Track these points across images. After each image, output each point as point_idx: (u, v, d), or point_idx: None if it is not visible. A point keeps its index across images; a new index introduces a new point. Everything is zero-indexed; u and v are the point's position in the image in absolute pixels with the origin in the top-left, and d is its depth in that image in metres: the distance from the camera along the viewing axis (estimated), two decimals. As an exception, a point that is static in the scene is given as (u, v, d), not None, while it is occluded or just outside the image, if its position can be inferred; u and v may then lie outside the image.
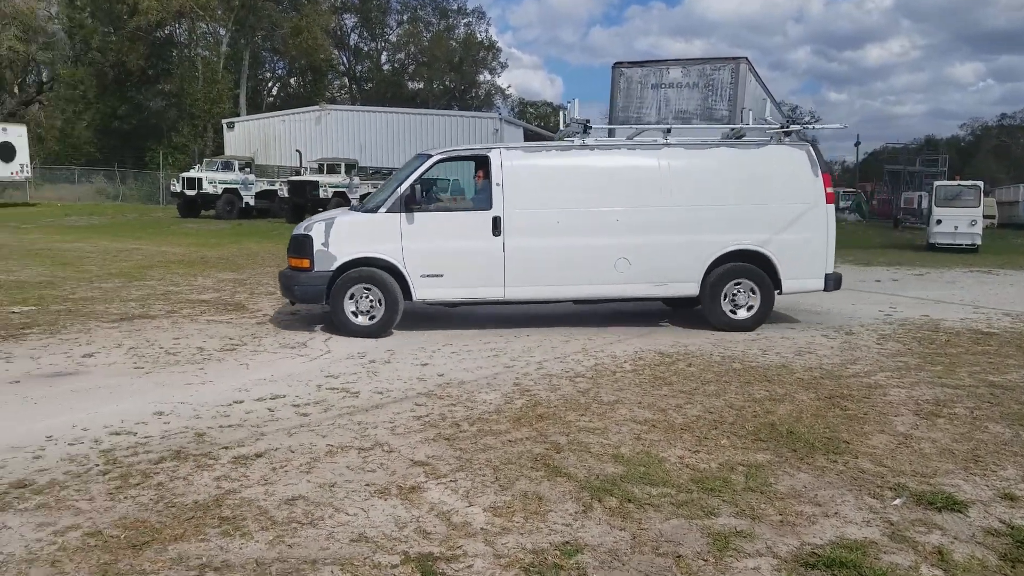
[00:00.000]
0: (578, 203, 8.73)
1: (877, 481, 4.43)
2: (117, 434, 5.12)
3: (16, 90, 52.71)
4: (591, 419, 5.52)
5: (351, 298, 8.58)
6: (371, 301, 8.58)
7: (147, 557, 3.48)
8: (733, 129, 9.59)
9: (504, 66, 78.79)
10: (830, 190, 8.97)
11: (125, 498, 4.10)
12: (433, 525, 3.81)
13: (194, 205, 29.88)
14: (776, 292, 8.96)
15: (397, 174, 9.33)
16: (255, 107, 50.86)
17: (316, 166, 29.64)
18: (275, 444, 4.96)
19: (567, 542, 3.64)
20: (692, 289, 8.89)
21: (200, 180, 29.56)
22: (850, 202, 44.77)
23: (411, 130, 35.06)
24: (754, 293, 8.92)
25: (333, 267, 8.53)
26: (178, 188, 30.12)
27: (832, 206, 9.01)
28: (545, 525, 3.82)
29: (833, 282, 9.05)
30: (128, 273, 13.32)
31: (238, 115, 44.26)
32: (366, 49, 67.76)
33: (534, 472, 4.51)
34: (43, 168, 40.89)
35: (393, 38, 67.19)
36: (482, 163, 8.96)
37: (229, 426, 5.34)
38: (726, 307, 8.91)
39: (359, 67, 68.34)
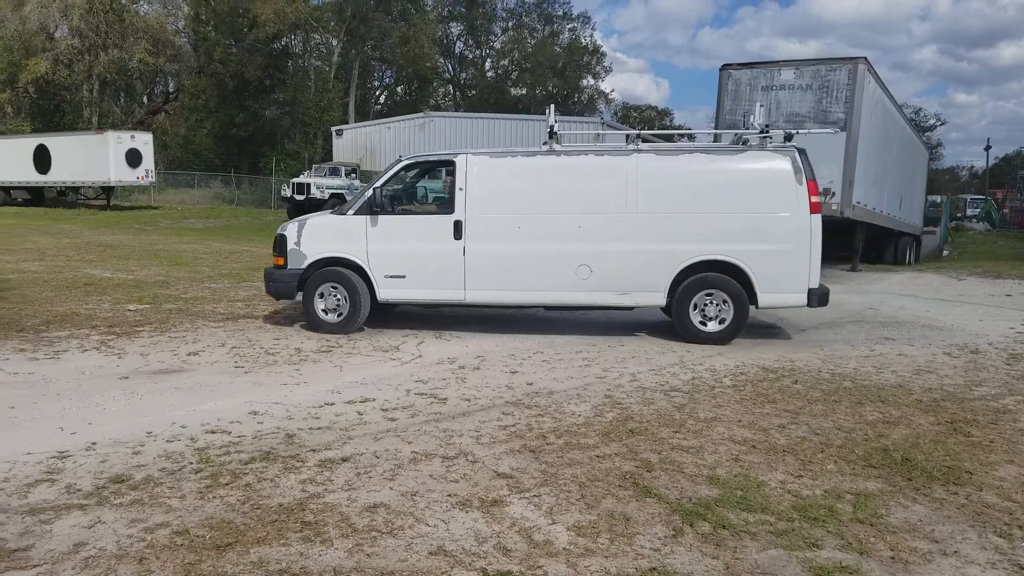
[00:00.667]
0: (540, 209, 8.68)
1: (1004, 518, 4.00)
2: (212, 432, 5.23)
3: (145, 100, 56.20)
4: (686, 436, 5.26)
5: (320, 296, 8.90)
6: (338, 299, 8.86)
7: (229, 559, 3.49)
8: (730, 136, 9.06)
9: (608, 70, 78.09)
10: (815, 199, 8.31)
11: (214, 497, 4.14)
12: (514, 542, 3.67)
13: (303, 209, 30.89)
14: (752, 306, 8.47)
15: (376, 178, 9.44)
16: (363, 115, 52.41)
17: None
18: (361, 449, 4.94)
19: (654, 568, 3.42)
20: (659, 299, 8.65)
21: (309, 185, 30.60)
22: (979, 210, 42.06)
23: (513, 135, 35.12)
24: (726, 305, 8.46)
25: (303, 265, 8.90)
26: (288, 193, 31.29)
27: (818, 216, 8.30)
28: (631, 549, 3.61)
29: (817, 298, 8.40)
30: (237, 274, 13.82)
31: (346, 122, 45.66)
32: (471, 56, 68.77)
33: (622, 491, 4.30)
34: (166, 173, 43.36)
35: (498, 45, 67.94)
36: (449, 168, 9.05)
37: (318, 428, 5.37)
38: (695, 318, 8.55)
39: (463, 74, 69.44)
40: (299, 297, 9.10)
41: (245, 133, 49.26)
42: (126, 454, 4.78)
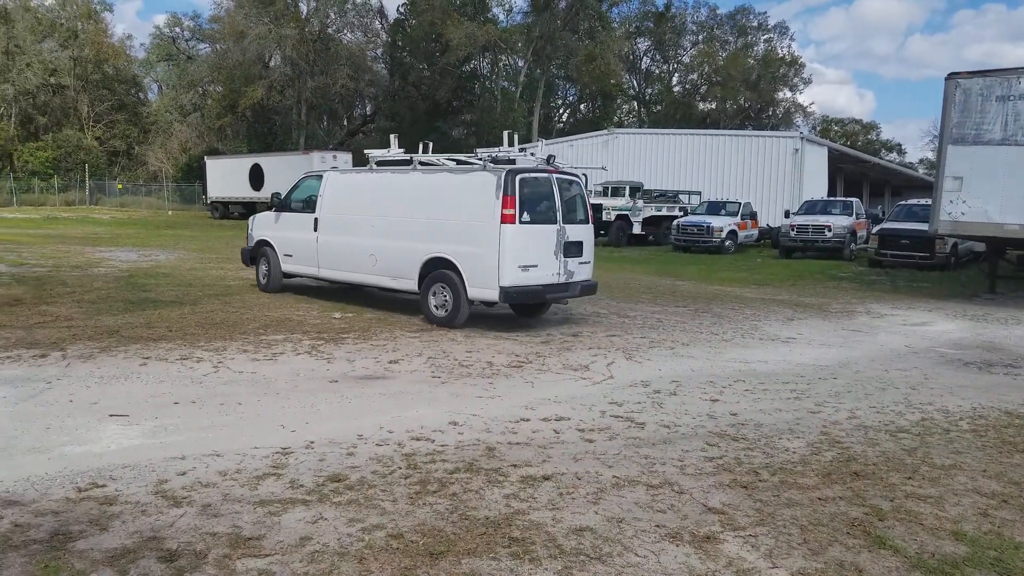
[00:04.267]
0: (354, 211, 11.18)
1: None
2: (417, 439, 5.37)
3: (345, 122, 60.37)
4: (920, 484, 4.76)
5: (261, 262, 12.69)
6: (266, 268, 12.60)
7: (442, 567, 3.52)
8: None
9: (807, 82, 74.11)
10: (507, 211, 9.37)
11: (424, 504, 4.22)
12: (733, 583, 3.44)
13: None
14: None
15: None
16: (546, 133, 53.24)
17: (601, 189, 30.10)
18: (561, 468, 4.88)
19: (898, 631, 3.07)
20: (413, 286, 10.36)
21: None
22: None
23: (701, 151, 34.14)
24: (449, 295, 9.94)
25: (252, 243, 12.89)
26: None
27: (508, 226, 9.37)
28: (868, 605, 3.27)
29: (506, 295, 9.55)
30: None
31: (530, 141, 46.57)
32: (657, 72, 68.01)
33: (851, 539, 3.94)
34: (363, 189, 46.01)
35: (686, 59, 66.65)
36: (319, 179, 12.01)
37: (517, 443, 5.37)
38: (432, 304, 10.16)
39: (648, 90, 68.75)
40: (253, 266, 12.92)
41: (434, 153, 51.60)
42: (341, 454, 5.00)
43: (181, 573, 3.39)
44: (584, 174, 11.55)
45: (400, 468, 4.78)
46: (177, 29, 58.55)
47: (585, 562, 3.62)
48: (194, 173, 47.89)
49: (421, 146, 11.71)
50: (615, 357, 8.55)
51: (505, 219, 9.37)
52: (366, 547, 3.69)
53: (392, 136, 12.34)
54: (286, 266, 12.22)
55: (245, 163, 39.87)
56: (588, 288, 10.58)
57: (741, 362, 8.52)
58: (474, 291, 9.71)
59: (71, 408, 5.82)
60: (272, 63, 51.83)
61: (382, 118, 56.19)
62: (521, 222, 9.47)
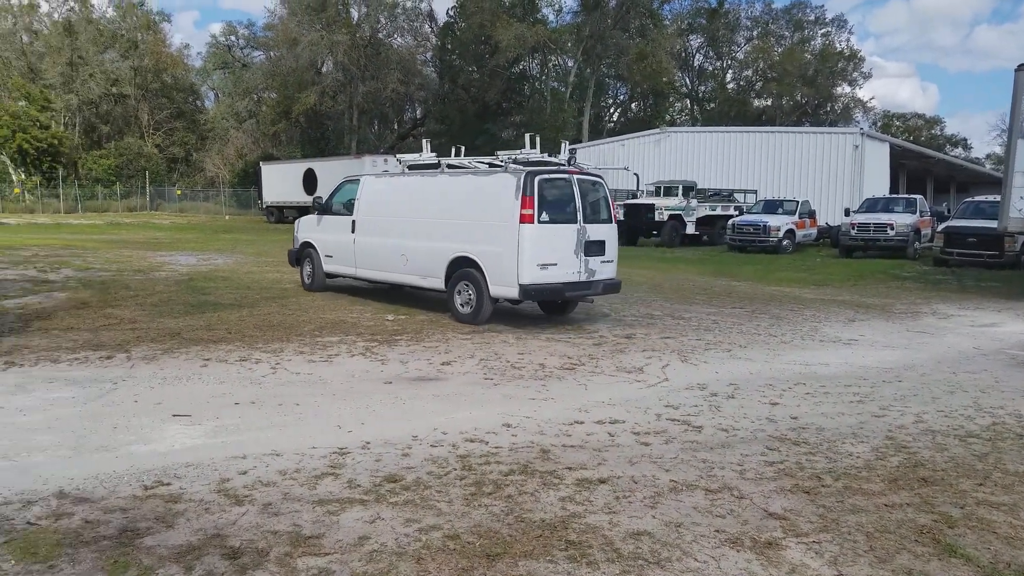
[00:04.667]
0: (387, 213, 11.60)
1: None
2: (471, 441, 5.37)
3: (395, 125, 61.03)
4: (993, 491, 4.58)
5: (306, 262, 13.18)
6: (310, 268, 13.05)
7: (499, 569, 3.51)
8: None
9: (867, 76, 72.28)
10: (526, 211, 9.58)
11: (479, 506, 4.22)
12: (797, 591, 3.35)
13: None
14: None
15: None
16: (596, 133, 53.03)
17: (653, 189, 29.83)
18: (617, 472, 4.83)
19: (973, 644, 2.96)
20: (441, 284, 10.71)
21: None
22: None
23: (756, 149, 33.54)
24: (473, 293, 10.22)
25: (297, 245, 13.42)
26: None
27: (527, 225, 9.58)
28: (941, 617, 3.16)
29: (525, 293, 9.79)
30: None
31: (580, 141, 46.43)
32: (710, 69, 67.09)
33: (920, 547, 3.81)
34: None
35: (740, 55, 65.59)
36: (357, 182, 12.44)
37: (571, 446, 5.34)
38: (458, 301, 10.46)
39: (701, 87, 67.87)
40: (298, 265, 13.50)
41: (484, 155, 51.81)
42: (396, 455, 5.03)
43: (244, 570, 3.44)
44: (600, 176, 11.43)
45: (455, 469, 4.79)
46: (232, 38, 60.11)
47: (643, 567, 3.57)
48: (250, 178, 48.97)
49: (453, 150, 12.36)
50: (670, 359, 8.45)
51: (524, 219, 9.61)
52: (423, 547, 3.70)
53: (424, 140, 13.02)
54: (327, 266, 12.77)
55: (299, 168, 40.59)
56: (611, 286, 10.65)
57: (801, 364, 8.34)
58: (496, 289, 9.98)
59: (136, 408, 5.99)
60: (324, 69, 52.71)
61: (432, 121, 56.63)
62: (540, 222, 9.69)
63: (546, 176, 9.93)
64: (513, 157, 10.86)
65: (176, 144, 57.24)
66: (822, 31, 64.98)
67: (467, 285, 10.30)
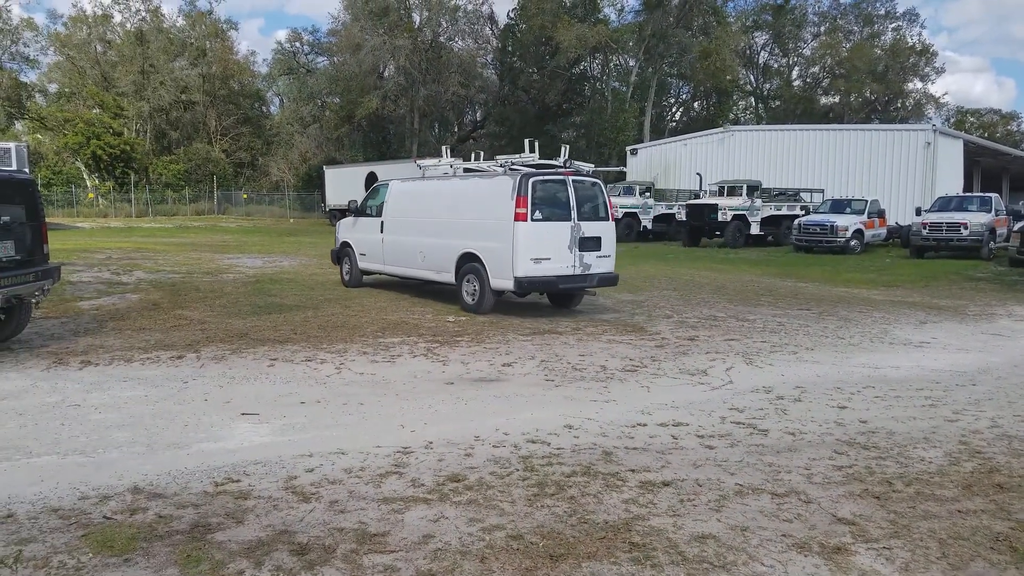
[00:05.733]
0: (408, 214, 12.73)
1: None
2: (533, 442, 5.38)
3: (456, 128, 61.46)
4: (1076, 500, 4.39)
5: (344, 262, 14.37)
6: (348, 265, 14.21)
7: (562, 570, 3.51)
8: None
9: (940, 71, 69.98)
10: (520, 210, 10.43)
11: (542, 506, 4.23)
12: (868, 600, 3.27)
13: (596, 228, 31.58)
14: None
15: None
16: (658, 132, 52.49)
17: (716, 189, 29.37)
18: (681, 475, 4.78)
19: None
20: (451, 278, 11.65)
21: (603, 204, 31.18)
22: None
23: (823, 147, 32.69)
24: (477, 285, 11.17)
25: (338, 245, 14.54)
26: (583, 212, 32.14)
27: (521, 223, 10.44)
28: (1022, 630, 3.04)
29: (519, 284, 10.62)
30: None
31: (641, 141, 46.04)
32: (776, 66, 65.68)
33: (995, 554, 3.68)
34: (473, 194, 46.75)
35: (807, 51, 64.05)
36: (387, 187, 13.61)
37: (634, 448, 5.30)
38: (465, 293, 11.40)
39: (767, 85, 66.55)
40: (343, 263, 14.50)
41: (544, 157, 51.80)
42: (459, 455, 5.08)
43: (312, 566, 3.52)
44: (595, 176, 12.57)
45: (517, 470, 4.80)
46: (297, 44, 61.21)
47: (708, 570, 3.53)
48: (313, 182, 49.96)
49: (473, 155, 13.57)
50: (734, 362, 8.31)
51: (518, 217, 10.51)
52: (487, 547, 3.72)
53: (444, 146, 14.14)
54: (362, 264, 13.90)
55: (360, 171, 41.19)
56: (607, 279, 11.40)
57: (870, 367, 8.11)
58: (495, 281, 10.91)
59: (206, 407, 6.17)
60: (386, 73, 53.33)
61: (492, 123, 56.84)
62: (533, 219, 10.55)
63: (540, 178, 10.81)
64: (511, 161, 11.80)
65: (242, 149, 58.76)
66: (892, 25, 63.03)
67: (472, 278, 11.26)
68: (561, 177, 11.01)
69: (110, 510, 4.12)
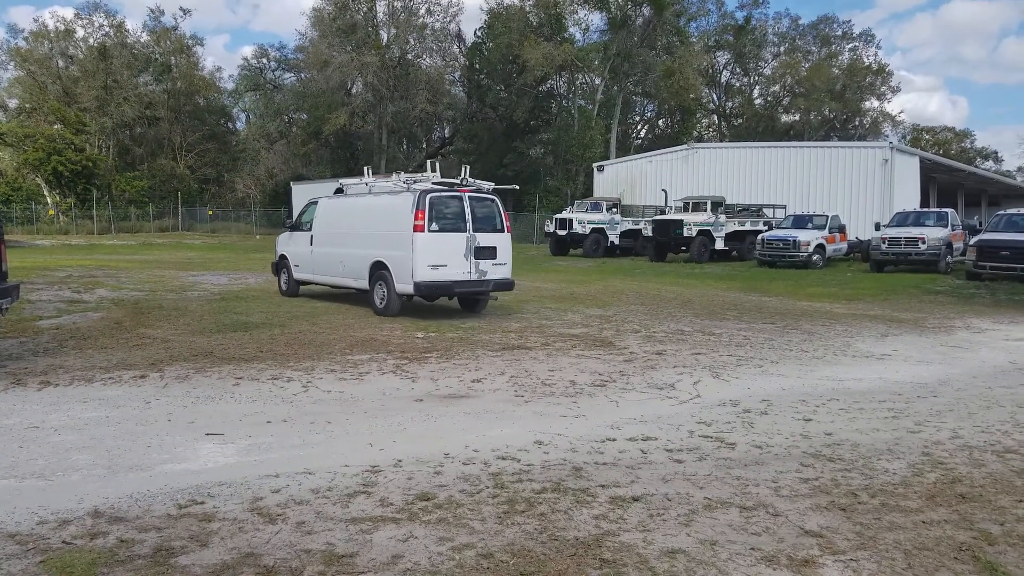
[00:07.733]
0: (332, 228, 14.07)
1: None
2: (503, 458, 5.36)
3: (424, 145, 61.48)
4: (1034, 509, 4.48)
5: (282, 274, 15.46)
6: (285, 276, 15.31)
7: (535, 589, 3.49)
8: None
9: (896, 90, 72.19)
10: (418, 222, 11.75)
11: (512, 524, 4.21)
12: (836, 612, 3.30)
13: (564, 244, 31.76)
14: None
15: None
16: (624, 149, 52.99)
17: (681, 205, 29.72)
18: (651, 489, 4.79)
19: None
20: (366, 284, 12.84)
21: (571, 220, 31.36)
22: None
23: (785, 164, 33.34)
24: (385, 290, 12.38)
25: (277, 257, 15.72)
26: (551, 228, 32.31)
27: (419, 234, 11.76)
28: (985, 639, 3.08)
29: (418, 289, 11.92)
30: (508, 306, 14.41)
31: (607, 158, 46.42)
32: (737, 85, 67.02)
33: (959, 564, 3.74)
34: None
35: (768, 71, 65.55)
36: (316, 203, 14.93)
37: (604, 463, 5.31)
38: (376, 297, 12.62)
39: (729, 103, 67.77)
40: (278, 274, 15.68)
41: (512, 172, 51.96)
42: (428, 473, 5.04)
43: (278, 589, 3.46)
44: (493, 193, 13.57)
45: (487, 487, 4.78)
46: (264, 60, 60.92)
47: (678, 586, 3.54)
48: (280, 198, 49.52)
49: (395, 175, 14.81)
50: (701, 375, 8.38)
51: (416, 228, 11.78)
52: (457, 566, 3.69)
53: (366, 167, 15.37)
54: (296, 275, 15.01)
55: (328, 188, 40.92)
56: (502, 284, 12.77)
57: (834, 380, 8.23)
58: (399, 286, 12.12)
59: (169, 427, 6.06)
60: (354, 90, 53.26)
61: (460, 140, 56.99)
62: (430, 231, 11.84)
63: (438, 194, 12.13)
64: (414, 179, 13.06)
65: (208, 165, 58.11)
66: (849, 46, 64.99)
67: (381, 283, 12.47)
68: (457, 194, 12.35)
69: (69, 535, 4.01)
